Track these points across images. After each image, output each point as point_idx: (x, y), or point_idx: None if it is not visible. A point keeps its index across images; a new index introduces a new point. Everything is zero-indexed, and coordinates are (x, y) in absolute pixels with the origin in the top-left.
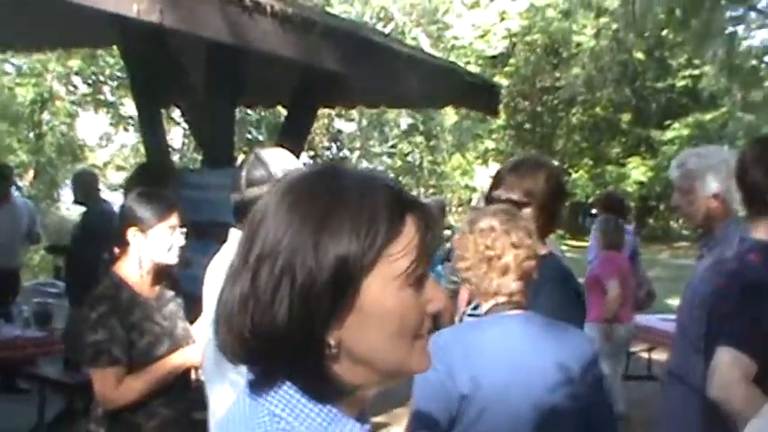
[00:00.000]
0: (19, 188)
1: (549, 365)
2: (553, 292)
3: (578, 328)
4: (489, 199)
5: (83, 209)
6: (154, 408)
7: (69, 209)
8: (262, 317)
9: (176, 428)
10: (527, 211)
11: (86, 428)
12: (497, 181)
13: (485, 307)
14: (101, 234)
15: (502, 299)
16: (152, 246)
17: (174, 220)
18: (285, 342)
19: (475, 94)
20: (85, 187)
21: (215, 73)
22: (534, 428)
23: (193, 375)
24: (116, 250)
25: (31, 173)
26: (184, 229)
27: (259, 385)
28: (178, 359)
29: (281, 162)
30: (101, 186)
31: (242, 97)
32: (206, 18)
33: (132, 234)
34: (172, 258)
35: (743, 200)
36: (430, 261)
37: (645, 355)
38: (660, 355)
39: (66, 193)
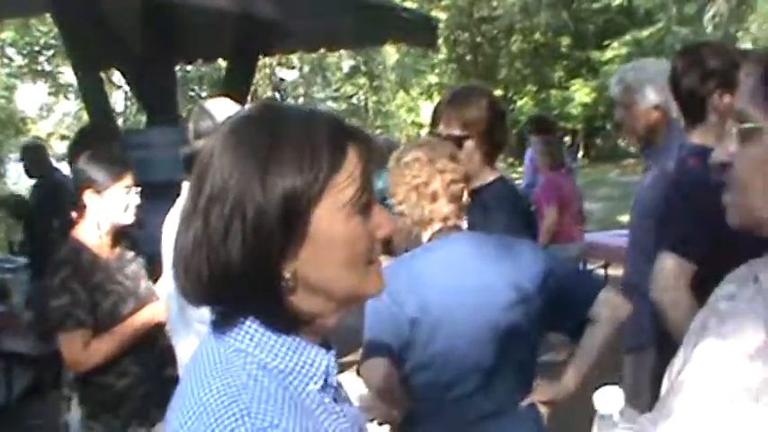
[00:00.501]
0: None
1: (497, 282)
2: (503, 214)
3: (528, 241)
4: (431, 135)
5: (31, 182)
6: (124, 367)
7: (16, 183)
8: (217, 257)
9: (147, 385)
10: (469, 142)
11: (60, 394)
12: (436, 116)
13: (425, 236)
14: (56, 204)
15: (437, 225)
16: (109, 207)
17: (128, 179)
18: (242, 279)
19: (413, 29)
20: (36, 159)
21: (151, 31)
22: (492, 345)
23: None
24: (73, 215)
25: None
26: (138, 189)
27: (222, 324)
28: (144, 317)
29: (226, 112)
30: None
31: (181, 54)
32: None
33: (88, 196)
34: (129, 218)
35: (679, 108)
36: (373, 186)
37: (601, 271)
38: (615, 271)
39: (12, 168)
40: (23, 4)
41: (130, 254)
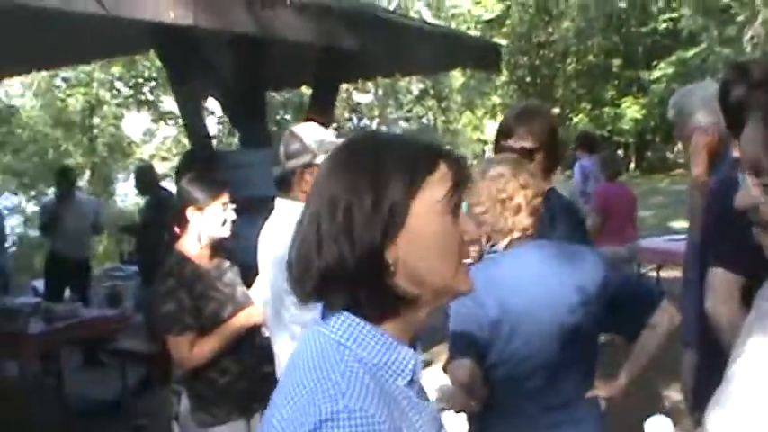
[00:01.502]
0: (78, 187)
1: (568, 285)
2: (560, 222)
3: (588, 248)
4: (500, 149)
5: (137, 200)
6: (226, 365)
7: (124, 201)
8: (329, 248)
9: (246, 381)
10: (539, 155)
11: (171, 388)
12: (506, 131)
13: (502, 244)
14: (163, 218)
15: (517, 234)
16: (208, 222)
17: (225, 197)
18: (351, 266)
19: (480, 55)
20: (147, 179)
21: (243, 63)
22: (558, 342)
23: (264, 332)
24: (176, 229)
25: (87, 173)
26: (234, 206)
27: (326, 317)
28: (241, 319)
29: (313, 134)
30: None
31: (270, 82)
32: (233, 16)
33: (191, 213)
34: (226, 232)
35: (726, 122)
36: (462, 200)
37: (653, 273)
38: (667, 273)
39: (120, 187)
40: (133, 43)
41: (227, 263)
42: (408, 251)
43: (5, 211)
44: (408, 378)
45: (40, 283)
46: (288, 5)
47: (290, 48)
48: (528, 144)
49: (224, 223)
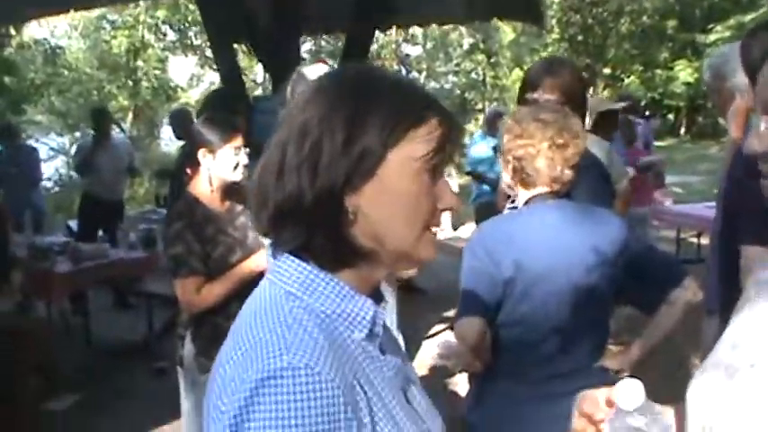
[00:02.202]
0: (122, 129)
1: (586, 247)
2: (588, 179)
3: (609, 209)
4: (524, 102)
5: (181, 143)
6: (232, 310)
7: (168, 144)
8: (289, 181)
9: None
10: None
11: (176, 333)
12: (532, 84)
13: (523, 196)
14: None
15: (543, 188)
16: (220, 165)
17: (238, 141)
18: (307, 203)
19: (521, 6)
20: (182, 123)
21: (277, 7)
22: (573, 305)
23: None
24: (188, 171)
25: (131, 115)
26: (248, 150)
27: (278, 248)
28: (250, 264)
29: None
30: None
31: (304, 26)
32: None
33: (203, 155)
34: (237, 176)
35: (750, 79)
36: (447, 164)
37: (694, 240)
38: (707, 240)
39: (164, 131)
40: None
41: (239, 207)
42: (372, 203)
43: (50, 152)
44: (366, 330)
45: (75, 224)
46: None
47: None
48: (554, 97)
49: (236, 167)
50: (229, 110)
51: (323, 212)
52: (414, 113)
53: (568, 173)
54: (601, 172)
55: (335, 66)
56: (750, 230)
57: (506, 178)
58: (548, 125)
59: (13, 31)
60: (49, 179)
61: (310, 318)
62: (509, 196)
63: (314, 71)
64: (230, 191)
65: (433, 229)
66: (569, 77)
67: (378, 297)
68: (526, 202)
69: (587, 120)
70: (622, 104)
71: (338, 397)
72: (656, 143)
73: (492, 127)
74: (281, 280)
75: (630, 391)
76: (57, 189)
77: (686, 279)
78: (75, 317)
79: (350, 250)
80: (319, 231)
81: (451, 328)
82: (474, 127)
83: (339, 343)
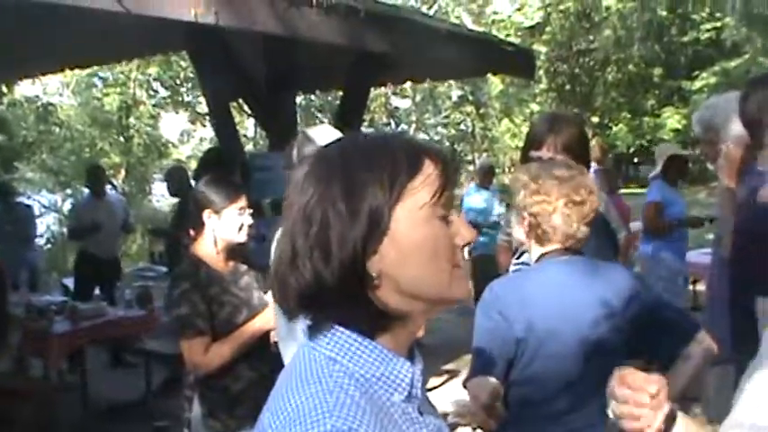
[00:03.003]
0: (114, 186)
1: (595, 302)
2: (594, 236)
3: (619, 265)
4: (528, 159)
5: (173, 200)
6: (239, 371)
7: (159, 201)
8: (305, 268)
9: (260, 388)
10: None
11: (183, 394)
12: (536, 141)
13: (536, 252)
14: None
15: (556, 245)
16: (224, 226)
17: (242, 201)
18: (331, 285)
19: (512, 61)
20: (178, 180)
21: (273, 65)
22: (584, 362)
23: (272, 338)
24: (192, 232)
25: (123, 172)
26: (251, 210)
27: (315, 332)
28: (256, 324)
29: (327, 138)
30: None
31: (299, 85)
32: (257, 15)
33: (207, 216)
34: (242, 237)
35: (748, 133)
36: (452, 200)
37: (690, 287)
38: (703, 287)
39: (156, 187)
40: (165, 42)
41: (243, 267)
42: (393, 262)
43: (42, 209)
44: (406, 392)
45: (70, 282)
46: (313, 6)
47: (320, 50)
48: (559, 155)
49: (240, 228)
50: (226, 169)
51: (347, 287)
52: (407, 165)
53: (584, 229)
54: (604, 225)
55: (354, 127)
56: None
57: (520, 234)
58: (564, 182)
59: (4, 89)
60: (41, 236)
61: (351, 382)
62: (510, 250)
63: (318, 133)
64: (234, 251)
65: (459, 266)
66: (572, 133)
67: (413, 357)
68: (539, 258)
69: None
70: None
71: None
72: (646, 190)
73: (485, 179)
74: (320, 346)
75: None
76: (49, 246)
77: (699, 333)
78: (73, 375)
79: (383, 314)
80: (348, 305)
81: (464, 385)
82: (464, 179)
83: (380, 406)
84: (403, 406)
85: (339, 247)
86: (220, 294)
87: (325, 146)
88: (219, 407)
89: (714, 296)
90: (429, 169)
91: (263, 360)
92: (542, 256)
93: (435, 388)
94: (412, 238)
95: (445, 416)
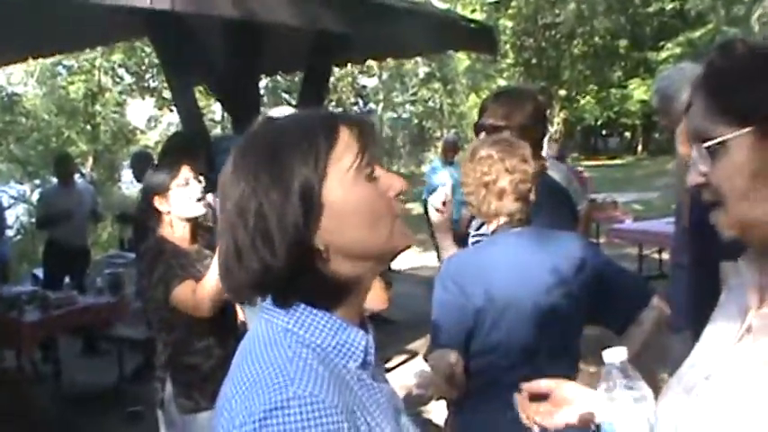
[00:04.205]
0: (82, 174)
1: (546, 269)
2: (547, 202)
3: (569, 231)
4: (477, 126)
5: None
6: (210, 350)
7: (129, 188)
8: (251, 260)
9: (231, 366)
10: (506, 133)
11: (155, 375)
12: (482, 110)
13: (491, 227)
14: None
15: (503, 219)
16: (175, 204)
17: (183, 173)
18: (281, 270)
19: (474, 37)
20: (143, 166)
21: (234, 49)
22: (542, 330)
23: (239, 317)
24: (152, 223)
25: (90, 160)
26: (201, 178)
27: (272, 308)
28: None
29: None
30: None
31: (261, 68)
32: (214, 0)
33: (158, 202)
34: (198, 209)
35: None
36: (376, 158)
37: (656, 255)
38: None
39: (125, 174)
40: (126, 29)
41: (207, 251)
42: (336, 232)
43: (11, 200)
44: (360, 360)
45: (40, 272)
46: None
47: (279, 32)
48: (498, 122)
49: (191, 199)
50: (189, 152)
51: (297, 267)
52: (324, 137)
53: (522, 201)
54: (562, 196)
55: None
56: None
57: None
58: (495, 158)
59: None
60: (11, 227)
61: (308, 351)
62: (471, 220)
63: (279, 114)
64: (196, 231)
65: (397, 216)
66: (514, 104)
67: (366, 327)
68: (493, 232)
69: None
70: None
71: (342, 422)
72: (615, 161)
73: (448, 155)
74: (276, 318)
75: (616, 352)
76: (19, 237)
77: (654, 298)
78: (46, 364)
79: (335, 283)
80: (304, 283)
81: (425, 358)
82: (434, 155)
83: (336, 373)
84: (358, 373)
85: (281, 234)
86: (186, 266)
87: (245, 136)
88: (191, 385)
89: (677, 264)
90: (345, 135)
91: (233, 339)
92: (495, 229)
93: (405, 362)
94: (347, 205)
95: (409, 389)
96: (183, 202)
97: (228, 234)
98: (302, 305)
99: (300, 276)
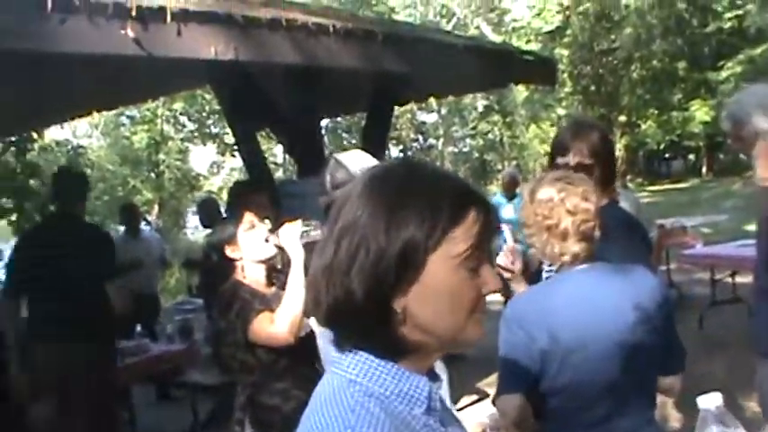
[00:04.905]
0: (148, 222)
1: (619, 308)
2: (614, 238)
3: (647, 263)
4: (555, 166)
5: (207, 231)
6: (289, 391)
7: (194, 233)
8: (341, 283)
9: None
10: (596, 170)
11: (234, 417)
12: (561, 148)
13: (555, 266)
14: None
15: (567, 258)
16: (245, 249)
17: (247, 217)
18: (358, 306)
19: (533, 70)
20: (209, 212)
21: (294, 93)
22: (621, 366)
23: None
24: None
25: (156, 207)
26: (267, 221)
27: (338, 358)
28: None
29: (359, 163)
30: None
31: (323, 110)
32: (276, 47)
33: (229, 251)
34: (268, 250)
35: None
36: (490, 251)
37: (729, 279)
38: (743, 278)
39: (190, 220)
40: (189, 79)
41: (283, 293)
42: (419, 303)
43: None
44: (425, 405)
45: None
46: (331, 33)
47: (341, 75)
48: (585, 160)
49: (259, 243)
50: (250, 197)
51: (374, 314)
52: (451, 213)
53: (587, 241)
54: (634, 226)
55: (380, 147)
56: None
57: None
58: (555, 200)
59: (35, 135)
60: None
61: (371, 399)
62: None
63: (350, 158)
64: (270, 274)
65: (479, 313)
66: (596, 137)
67: (432, 377)
68: (558, 270)
69: None
70: None
71: None
72: (680, 185)
73: (509, 189)
74: (342, 370)
75: (711, 398)
76: None
77: (681, 372)
78: (121, 413)
79: (402, 345)
80: (372, 330)
81: (493, 402)
82: (496, 188)
83: (401, 419)
84: (424, 419)
85: (373, 276)
86: (263, 308)
87: (380, 169)
88: (271, 426)
89: (761, 288)
90: (470, 220)
91: (312, 382)
92: (560, 267)
93: (478, 401)
94: (441, 286)
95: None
96: (251, 245)
97: (331, 247)
98: (367, 354)
99: (371, 324)
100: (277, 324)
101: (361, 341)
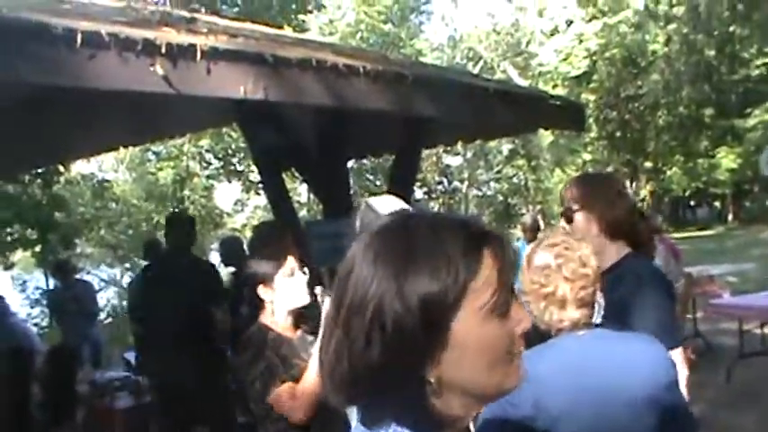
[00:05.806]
0: None
1: (617, 380)
2: (648, 291)
3: (646, 335)
4: (570, 219)
5: (229, 269)
6: None
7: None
8: (358, 363)
9: None
10: (579, 215)
11: None
12: (562, 196)
13: (554, 332)
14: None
15: (567, 324)
16: (281, 294)
17: (289, 263)
18: (386, 383)
19: (561, 114)
20: (231, 250)
21: (322, 134)
22: None
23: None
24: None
25: None
26: (305, 269)
27: (366, 425)
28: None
29: (389, 207)
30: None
31: (350, 151)
32: (306, 87)
33: (262, 291)
34: (302, 299)
35: None
36: (512, 287)
37: (758, 331)
38: None
39: (213, 257)
40: (216, 117)
41: (310, 337)
42: (452, 368)
43: (102, 284)
44: None
45: (131, 355)
46: (361, 75)
47: (369, 116)
48: (571, 205)
49: (296, 290)
50: (294, 242)
51: (402, 387)
52: (466, 266)
53: (586, 307)
54: (657, 278)
55: (407, 190)
56: None
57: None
58: (552, 267)
59: (61, 169)
60: (102, 310)
61: None
62: None
63: (381, 203)
64: (299, 318)
65: (519, 353)
66: (591, 186)
67: None
68: (555, 335)
69: None
70: None
71: None
72: (706, 232)
73: (529, 236)
74: None
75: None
76: (109, 320)
77: None
78: None
79: (438, 419)
80: (406, 406)
81: None
82: (520, 232)
83: None
84: None
85: (395, 352)
86: (289, 357)
87: (379, 228)
88: None
89: None
90: (489, 264)
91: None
92: (558, 330)
93: None
94: (473, 344)
95: None
96: (288, 292)
97: (341, 328)
98: (399, 426)
99: (403, 397)
100: (297, 403)
101: (393, 417)
